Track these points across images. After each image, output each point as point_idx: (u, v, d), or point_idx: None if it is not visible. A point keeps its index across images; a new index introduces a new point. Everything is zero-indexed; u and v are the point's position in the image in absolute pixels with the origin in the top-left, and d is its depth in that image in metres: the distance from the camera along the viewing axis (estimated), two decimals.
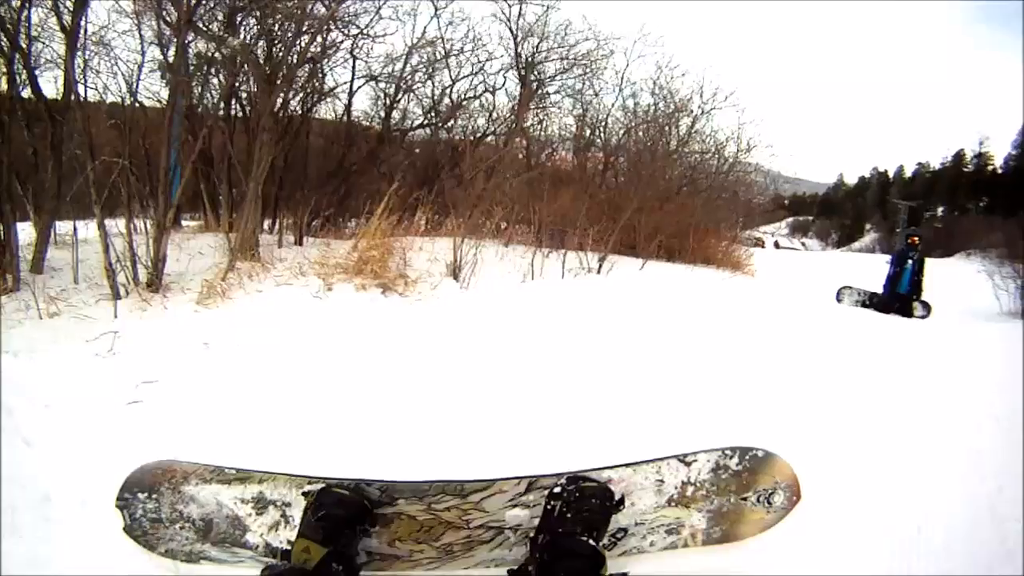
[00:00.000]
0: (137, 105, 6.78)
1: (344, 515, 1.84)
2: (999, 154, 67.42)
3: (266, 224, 7.32)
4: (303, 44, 6.74)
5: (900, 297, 9.97)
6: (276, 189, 7.49)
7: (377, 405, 3.18)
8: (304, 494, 1.92)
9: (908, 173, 76.55)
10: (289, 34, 6.50)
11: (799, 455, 2.29)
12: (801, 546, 2.22)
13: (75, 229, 4.95)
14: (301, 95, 7.99)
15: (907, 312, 9.66)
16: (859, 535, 2.36)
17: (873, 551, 2.28)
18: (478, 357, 4.15)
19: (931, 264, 11.23)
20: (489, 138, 10.64)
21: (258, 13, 6.46)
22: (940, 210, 67.88)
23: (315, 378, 3.50)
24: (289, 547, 1.87)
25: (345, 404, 3.16)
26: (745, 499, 2.16)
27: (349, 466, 2.13)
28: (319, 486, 1.91)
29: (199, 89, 7.17)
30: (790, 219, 77.93)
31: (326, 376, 3.54)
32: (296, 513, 1.96)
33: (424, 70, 9.65)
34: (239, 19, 6.66)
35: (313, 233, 7.35)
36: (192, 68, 6.83)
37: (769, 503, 2.17)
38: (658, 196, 10.71)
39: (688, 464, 2.12)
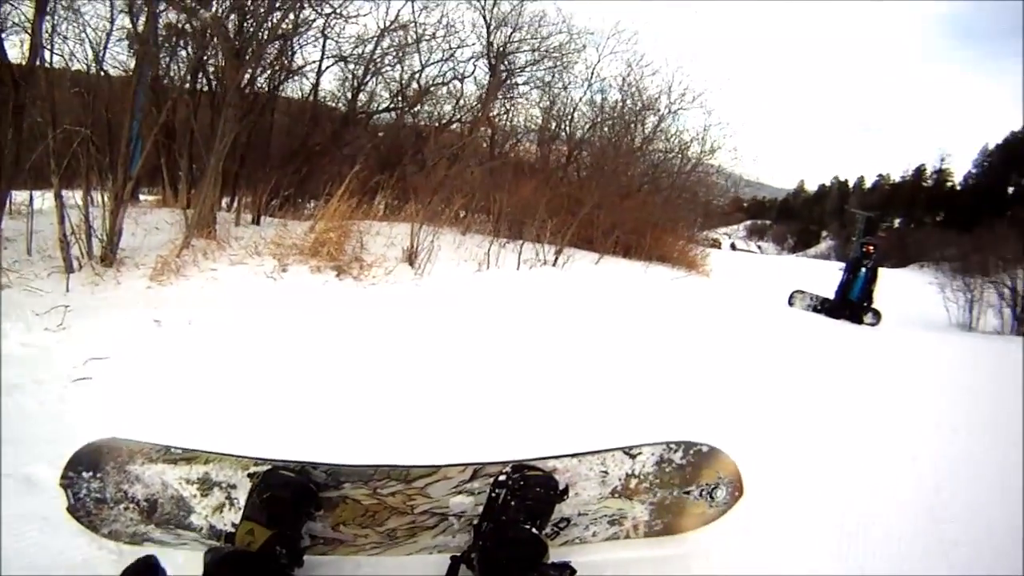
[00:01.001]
0: (102, 74, 6.73)
1: (290, 497, 1.81)
2: (959, 171, 68.98)
3: (224, 201, 7.26)
4: (275, 20, 6.68)
5: (851, 304, 10.17)
6: (237, 166, 7.42)
7: (325, 388, 3.21)
8: (250, 475, 1.88)
9: (868, 184, 78.04)
10: (262, 9, 6.43)
11: (741, 451, 2.31)
12: (742, 541, 2.27)
13: (31, 199, 4.88)
14: (269, 72, 7.93)
15: (857, 319, 9.88)
16: (799, 532, 2.43)
17: (812, 548, 2.34)
18: (428, 344, 4.22)
19: (885, 274, 11.50)
20: (454, 125, 10.63)
21: None
22: (897, 221, 69.52)
23: (265, 360, 3.51)
24: (234, 530, 1.82)
25: (293, 386, 3.18)
26: (688, 493, 2.18)
27: (294, 448, 2.10)
28: (265, 467, 1.88)
29: (167, 61, 7.05)
30: (748, 222, 78.83)
31: (276, 358, 3.57)
32: (241, 495, 1.91)
33: (394, 53, 9.65)
34: None
35: (271, 213, 7.30)
36: (161, 39, 6.63)
37: (712, 498, 2.19)
38: (619, 192, 10.86)
39: (633, 456, 2.12)
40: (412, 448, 2.43)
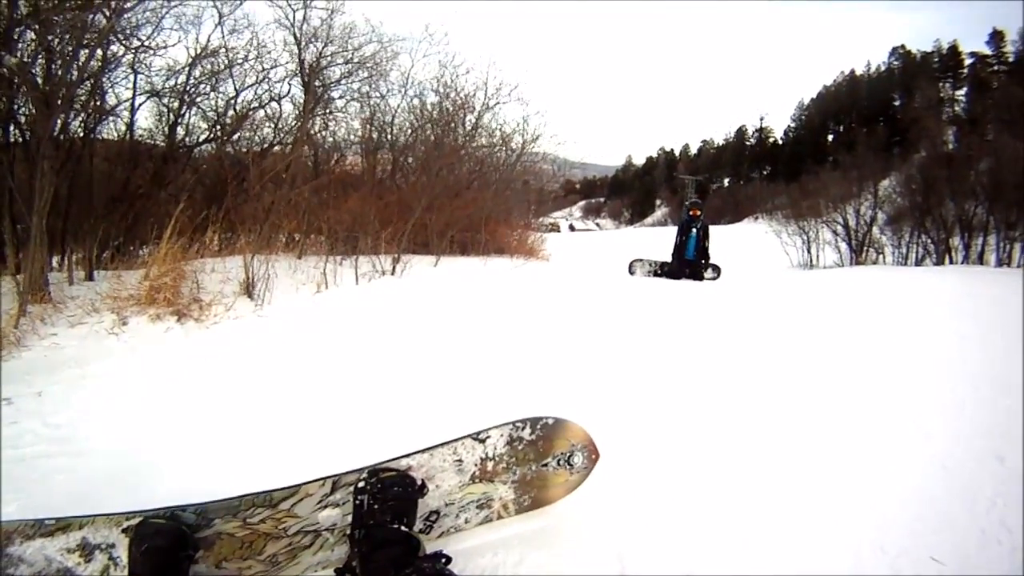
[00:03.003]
0: None
1: (165, 544, 1.83)
2: (778, 127, 73.71)
3: (54, 260, 7.06)
4: (83, 59, 6.55)
5: (689, 263, 11.05)
6: (62, 221, 7.24)
7: (171, 436, 3.27)
8: (124, 531, 1.90)
9: (693, 150, 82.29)
10: (69, 48, 6.26)
11: (594, 418, 2.46)
12: (609, 503, 2.42)
13: None
14: (82, 115, 7.72)
15: (698, 276, 10.81)
16: (662, 488, 2.58)
17: (679, 501, 2.49)
18: (271, 376, 4.39)
19: (722, 229, 12.45)
20: (276, 148, 10.58)
21: (37, 27, 6.13)
22: (726, 181, 74.09)
23: (117, 420, 3.56)
24: None
25: (138, 440, 3.25)
26: (546, 465, 2.25)
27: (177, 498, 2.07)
28: (136, 520, 1.90)
29: None
30: (583, 202, 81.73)
31: (127, 415, 3.63)
32: (122, 553, 1.91)
33: (207, 81, 9.59)
34: (16, 34, 6.17)
35: (104, 265, 7.15)
36: None
37: (570, 465, 2.27)
38: (447, 192, 11.20)
39: (482, 441, 2.18)
40: (261, 477, 2.33)
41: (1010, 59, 53.40)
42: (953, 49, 60.33)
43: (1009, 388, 3.80)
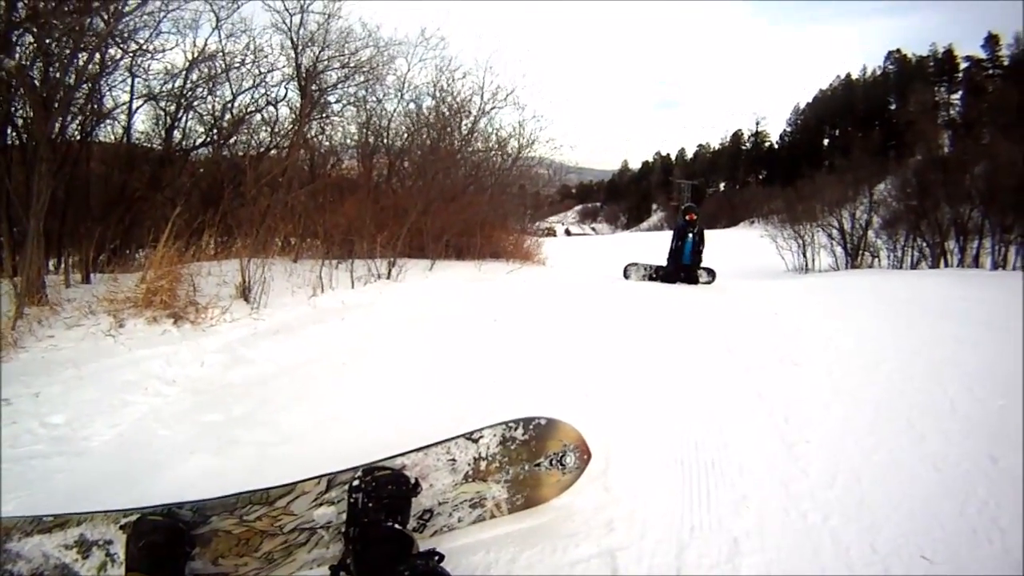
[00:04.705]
0: None
1: (163, 541, 1.86)
2: (774, 132, 73.91)
3: (51, 263, 7.06)
4: (81, 63, 6.55)
5: (684, 267, 10.99)
6: (59, 224, 7.23)
7: (166, 441, 3.33)
8: (122, 528, 1.93)
9: (689, 155, 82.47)
10: (67, 51, 6.28)
11: (587, 417, 2.58)
12: (602, 498, 2.48)
13: None
14: (80, 118, 7.70)
15: (692, 280, 10.79)
16: (654, 482, 2.65)
17: (668, 493, 2.56)
18: (274, 374, 4.51)
19: (718, 234, 12.48)
20: (272, 152, 10.55)
21: (35, 30, 6.09)
22: (722, 185, 74.26)
23: (117, 421, 3.63)
24: None
25: (135, 441, 3.34)
26: (538, 465, 2.29)
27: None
28: (134, 517, 1.92)
29: None
30: (579, 207, 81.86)
31: (123, 417, 3.70)
32: (119, 550, 1.94)
33: (204, 85, 9.54)
34: (14, 37, 6.14)
35: (100, 268, 7.15)
36: None
37: (562, 465, 2.30)
38: (443, 196, 11.13)
39: (476, 441, 2.22)
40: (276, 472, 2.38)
41: (1005, 63, 53.51)
42: (948, 53, 60.61)
43: (1003, 389, 3.85)
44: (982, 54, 56.97)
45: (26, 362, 4.63)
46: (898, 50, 66.05)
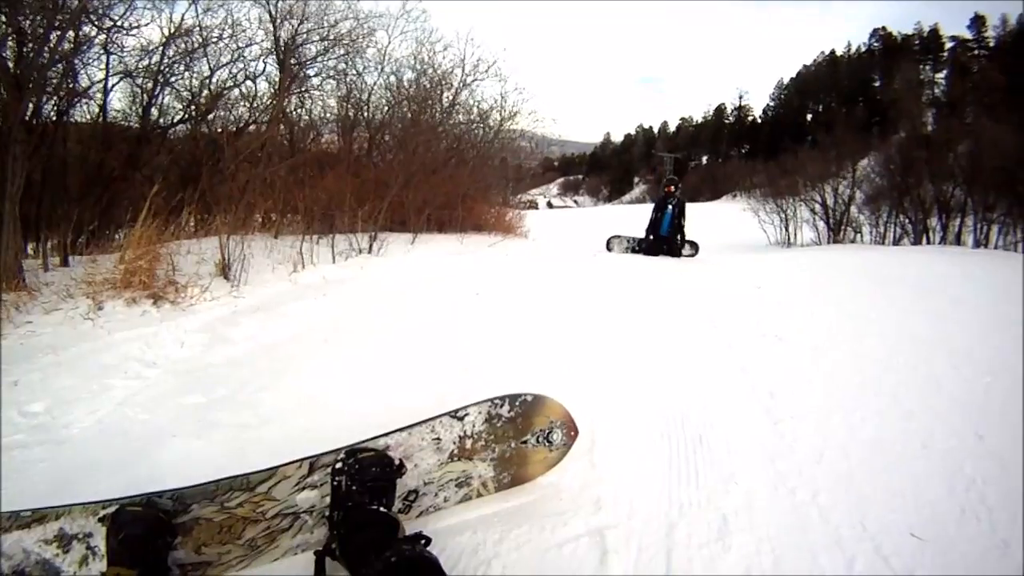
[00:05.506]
0: None
1: (142, 532, 1.80)
2: (757, 106, 74.03)
3: (29, 247, 6.93)
4: (54, 41, 6.39)
5: (665, 239, 11.07)
6: (36, 207, 7.11)
7: (148, 426, 3.22)
8: (101, 520, 1.87)
9: (672, 128, 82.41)
10: (40, 30, 6.11)
11: (570, 393, 2.49)
12: (588, 475, 2.45)
13: None
14: (55, 98, 7.58)
15: (675, 252, 10.86)
16: (642, 457, 2.63)
17: (655, 468, 2.55)
18: (247, 359, 4.38)
19: (700, 207, 12.50)
20: (251, 128, 10.46)
21: (7, 8, 5.98)
22: (705, 158, 74.37)
23: (86, 413, 3.48)
24: None
25: (117, 427, 3.25)
26: (525, 442, 2.25)
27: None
28: (113, 509, 1.87)
29: None
30: (561, 180, 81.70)
31: (96, 407, 3.55)
32: (100, 543, 1.88)
33: (181, 61, 9.47)
34: None
35: (79, 251, 7.03)
36: None
37: (549, 442, 2.28)
38: (424, 169, 11.15)
39: (461, 419, 2.17)
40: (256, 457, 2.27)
41: (991, 44, 53.76)
42: (934, 32, 60.84)
43: (988, 366, 3.85)
44: (968, 35, 57.27)
45: (4, 349, 4.49)
46: (883, 27, 66.34)
